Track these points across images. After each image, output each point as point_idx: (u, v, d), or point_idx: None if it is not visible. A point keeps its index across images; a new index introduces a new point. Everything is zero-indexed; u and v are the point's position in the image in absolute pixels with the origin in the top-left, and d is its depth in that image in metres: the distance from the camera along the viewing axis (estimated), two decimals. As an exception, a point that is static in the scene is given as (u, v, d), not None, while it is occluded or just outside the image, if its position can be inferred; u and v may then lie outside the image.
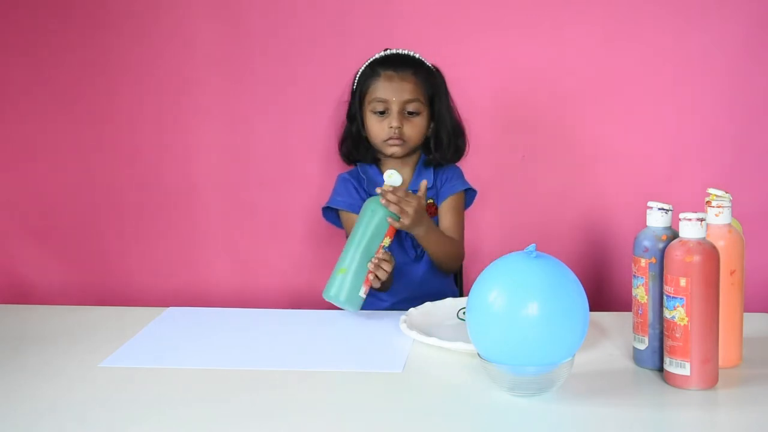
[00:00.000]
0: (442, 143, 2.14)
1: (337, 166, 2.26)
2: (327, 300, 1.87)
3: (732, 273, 1.51)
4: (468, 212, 2.29)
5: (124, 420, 1.42)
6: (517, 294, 1.40)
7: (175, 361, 1.65)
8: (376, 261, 1.87)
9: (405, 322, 1.73)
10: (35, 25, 2.36)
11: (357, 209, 2.03)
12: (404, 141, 2.09)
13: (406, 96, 2.08)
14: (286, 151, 2.36)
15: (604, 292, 2.34)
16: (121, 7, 2.34)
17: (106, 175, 2.40)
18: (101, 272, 2.44)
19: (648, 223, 1.52)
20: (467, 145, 2.21)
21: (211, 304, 2.17)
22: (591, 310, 1.48)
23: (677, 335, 1.43)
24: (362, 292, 1.86)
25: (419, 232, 1.98)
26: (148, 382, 1.57)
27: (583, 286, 1.45)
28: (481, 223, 2.36)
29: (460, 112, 2.22)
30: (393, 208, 1.88)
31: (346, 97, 2.20)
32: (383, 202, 1.88)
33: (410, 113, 2.09)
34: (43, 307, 2.05)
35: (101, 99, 2.38)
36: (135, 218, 2.42)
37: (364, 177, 2.16)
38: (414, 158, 2.17)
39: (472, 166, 2.32)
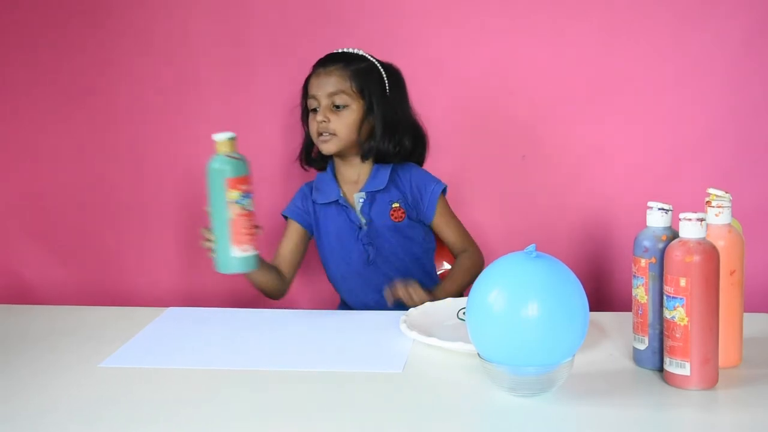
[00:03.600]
0: (374, 137, 2.08)
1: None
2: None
3: (732, 273, 1.51)
4: (468, 212, 2.30)
5: (124, 420, 1.42)
6: (517, 294, 1.40)
7: (175, 361, 1.65)
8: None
9: (405, 322, 1.73)
10: (36, 26, 2.37)
11: (298, 215, 2.12)
12: (333, 135, 2.05)
13: (330, 89, 2.04)
14: (286, 152, 2.36)
15: (604, 292, 2.34)
16: (122, 8, 2.35)
17: (107, 176, 2.40)
18: (101, 272, 2.44)
19: (648, 223, 1.52)
20: (426, 147, 2.16)
21: (211, 304, 2.17)
22: (591, 310, 1.48)
23: (677, 335, 1.43)
24: (235, 253, 1.79)
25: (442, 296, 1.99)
26: (148, 382, 1.57)
27: (583, 286, 1.45)
28: (481, 223, 2.36)
29: (460, 111, 2.23)
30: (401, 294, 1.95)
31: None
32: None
33: (337, 107, 2.05)
34: (43, 307, 2.05)
35: (101, 100, 2.39)
36: (135, 218, 2.42)
37: (315, 188, 2.14)
38: (371, 158, 2.12)
39: (471, 166, 2.33)
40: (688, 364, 1.43)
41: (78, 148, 2.41)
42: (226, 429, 1.38)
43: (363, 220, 2.09)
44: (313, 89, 2.07)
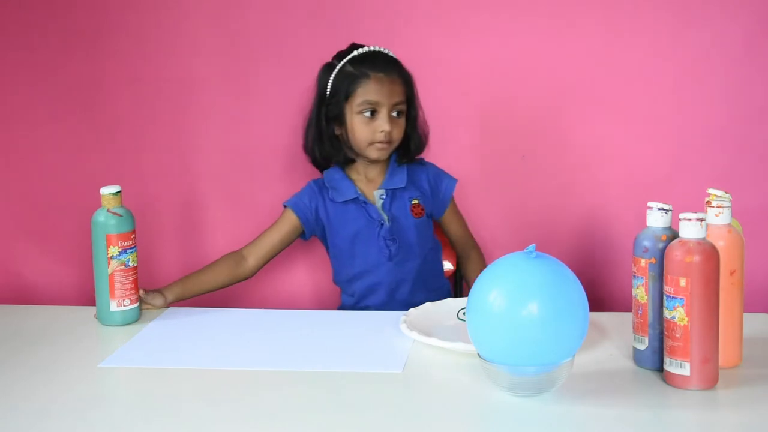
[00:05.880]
0: (414, 141, 2.13)
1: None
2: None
3: (732, 273, 1.51)
4: (469, 212, 2.30)
5: (124, 420, 1.42)
6: (517, 294, 1.40)
7: (175, 361, 1.65)
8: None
9: (405, 322, 1.73)
10: (36, 27, 2.37)
11: (300, 211, 2.12)
12: (390, 143, 2.08)
13: (396, 98, 2.06)
14: (287, 152, 2.36)
15: (604, 292, 2.34)
16: (122, 9, 2.35)
17: (106, 176, 2.40)
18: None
19: (648, 223, 1.52)
20: (428, 138, 2.21)
21: (211, 305, 2.17)
22: (591, 310, 1.48)
23: (677, 335, 1.43)
24: (112, 306, 1.85)
25: None
26: (148, 382, 1.57)
27: (584, 286, 1.45)
28: (482, 223, 2.36)
29: (460, 111, 2.23)
30: None
31: (311, 96, 2.15)
32: None
33: (397, 115, 2.07)
34: (43, 307, 2.05)
35: (101, 100, 2.38)
36: (135, 218, 2.42)
37: (328, 186, 2.14)
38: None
39: (471, 166, 2.33)
40: (688, 364, 1.43)
41: (78, 148, 2.40)
42: (226, 429, 1.39)
43: (386, 217, 2.10)
44: (375, 95, 2.05)
